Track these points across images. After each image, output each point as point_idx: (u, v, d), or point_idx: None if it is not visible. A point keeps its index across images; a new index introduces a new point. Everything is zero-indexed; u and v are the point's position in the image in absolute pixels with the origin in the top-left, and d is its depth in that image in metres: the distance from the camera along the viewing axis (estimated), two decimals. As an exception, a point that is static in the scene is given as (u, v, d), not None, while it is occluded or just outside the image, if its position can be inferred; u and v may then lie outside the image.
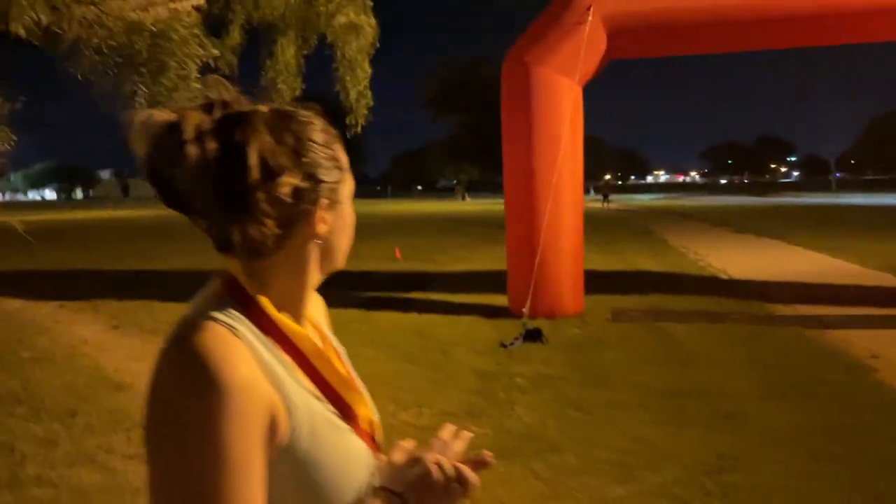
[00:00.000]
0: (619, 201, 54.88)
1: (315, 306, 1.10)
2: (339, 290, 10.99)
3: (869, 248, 14.84)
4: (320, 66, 5.19)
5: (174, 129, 0.85)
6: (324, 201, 0.93)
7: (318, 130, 0.94)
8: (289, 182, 0.88)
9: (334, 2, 4.40)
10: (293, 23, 4.67)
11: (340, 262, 1.01)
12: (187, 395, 0.80)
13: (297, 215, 0.91)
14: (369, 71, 4.97)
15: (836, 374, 5.73)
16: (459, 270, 13.11)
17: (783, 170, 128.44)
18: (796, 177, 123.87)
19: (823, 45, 9.32)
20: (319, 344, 0.98)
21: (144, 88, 2.84)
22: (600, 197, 46.02)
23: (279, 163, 0.87)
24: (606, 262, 12.88)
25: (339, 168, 0.97)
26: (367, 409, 1.02)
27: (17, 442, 4.44)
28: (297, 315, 0.97)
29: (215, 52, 3.12)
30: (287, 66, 4.72)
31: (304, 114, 0.95)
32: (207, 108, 0.89)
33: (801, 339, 6.93)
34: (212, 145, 0.85)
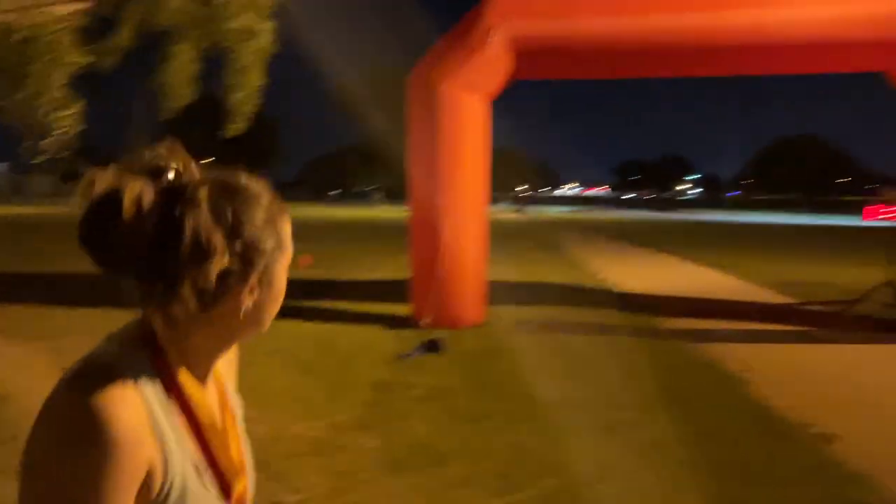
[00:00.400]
0: (530, 213, 56.15)
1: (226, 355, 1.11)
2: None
3: (755, 265, 15.83)
4: (217, 66, 5.14)
5: (113, 198, 0.84)
6: (255, 276, 0.95)
7: (262, 207, 0.95)
8: (219, 265, 0.88)
9: (231, 7, 4.37)
10: (189, 27, 4.61)
11: (265, 327, 1.03)
12: (71, 443, 0.80)
13: (222, 294, 0.92)
14: (262, 76, 4.95)
15: (712, 386, 6.10)
16: (367, 279, 13.12)
17: (683, 188, 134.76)
18: (695, 194, 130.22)
19: (714, 75, 9.89)
20: (216, 414, 1.01)
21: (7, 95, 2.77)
22: (517, 207, 50.45)
23: (213, 245, 0.87)
24: (511, 273, 13.18)
25: (279, 245, 0.99)
26: (244, 488, 1.04)
27: None
28: (204, 370, 0.99)
29: (87, 58, 3.06)
30: (181, 72, 4.65)
31: (252, 189, 0.96)
32: (154, 174, 0.88)
33: (683, 352, 7.34)
34: (149, 219, 0.85)
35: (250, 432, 3.94)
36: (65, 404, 0.82)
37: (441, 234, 7.95)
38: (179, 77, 4.73)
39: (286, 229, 1.01)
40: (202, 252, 0.86)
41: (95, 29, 3.39)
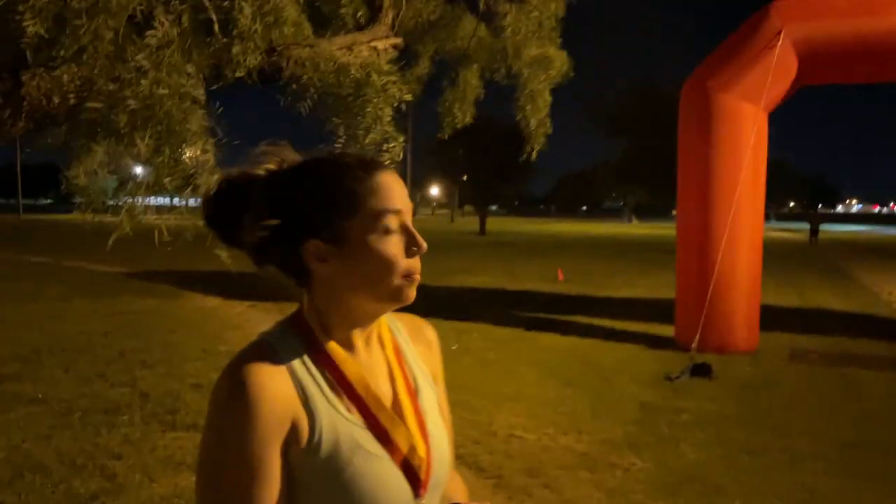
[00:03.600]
0: (801, 230, 51.01)
1: (417, 340, 1.18)
2: (500, 308, 11.26)
3: None
4: (493, 90, 5.40)
5: (232, 182, 1.06)
6: (313, 241, 1.01)
7: (328, 173, 1.03)
8: (271, 224, 1.00)
9: (521, 35, 4.58)
10: (479, 54, 4.91)
11: (387, 300, 1.03)
12: (219, 402, 0.95)
13: (288, 256, 1.03)
14: (549, 100, 5.09)
15: None
16: (623, 296, 12.87)
17: None
18: None
19: None
20: (373, 379, 1.05)
21: (344, 127, 3.17)
22: (811, 227, 34.50)
23: (269, 208, 1.01)
24: (783, 298, 12.08)
25: (351, 210, 1.01)
26: (409, 439, 1.04)
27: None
28: (346, 339, 1.05)
29: (408, 96, 3.40)
30: (465, 95, 4.97)
31: (335, 158, 1.05)
32: (269, 165, 1.06)
33: None
34: (254, 197, 1.03)
35: (519, 439, 4.10)
36: (223, 373, 0.97)
37: (712, 253, 7.54)
38: (462, 100, 5.06)
39: (370, 193, 1.01)
40: (260, 215, 1.01)
41: (397, 59, 3.78)
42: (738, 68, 7.52)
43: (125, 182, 3.20)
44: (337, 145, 3.31)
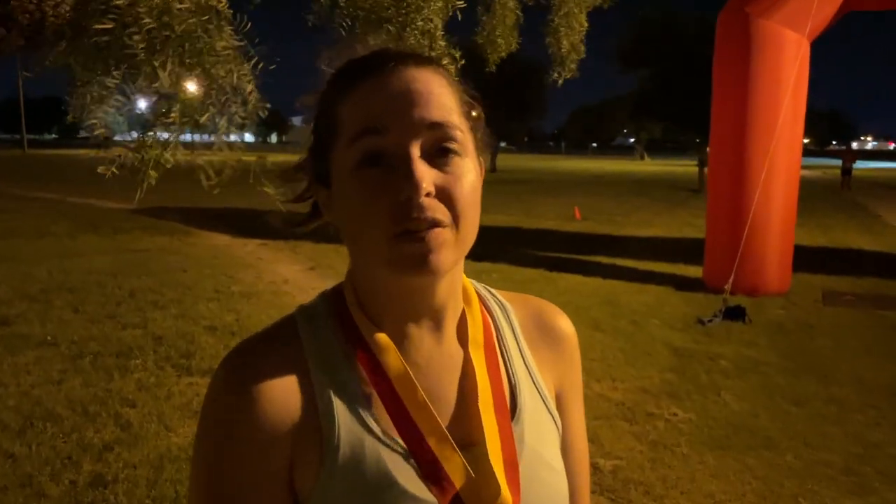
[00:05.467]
0: (819, 167, 50.06)
1: (541, 337, 0.82)
2: (519, 248, 10.96)
3: None
4: (529, 21, 4.97)
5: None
6: (315, 186, 0.76)
7: (331, 84, 0.73)
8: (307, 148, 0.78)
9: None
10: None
11: (379, 264, 0.68)
12: (207, 401, 0.71)
13: (305, 191, 0.79)
14: (586, 25, 4.66)
15: None
16: (644, 235, 12.53)
17: None
18: None
19: None
20: (421, 381, 0.72)
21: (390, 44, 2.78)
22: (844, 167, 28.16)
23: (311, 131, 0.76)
24: (811, 238, 11.72)
25: (327, 129, 0.71)
26: (482, 483, 0.69)
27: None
28: (401, 324, 0.73)
29: (461, 2, 2.97)
30: (505, 21, 4.54)
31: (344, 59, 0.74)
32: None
33: None
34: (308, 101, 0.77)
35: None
36: (222, 361, 0.72)
37: (748, 192, 7.16)
38: (502, 27, 4.64)
39: (348, 106, 0.69)
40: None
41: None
42: (783, -9, 6.98)
43: (151, 119, 2.81)
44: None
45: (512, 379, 0.77)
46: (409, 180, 0.64)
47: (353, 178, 0.67)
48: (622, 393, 4.56)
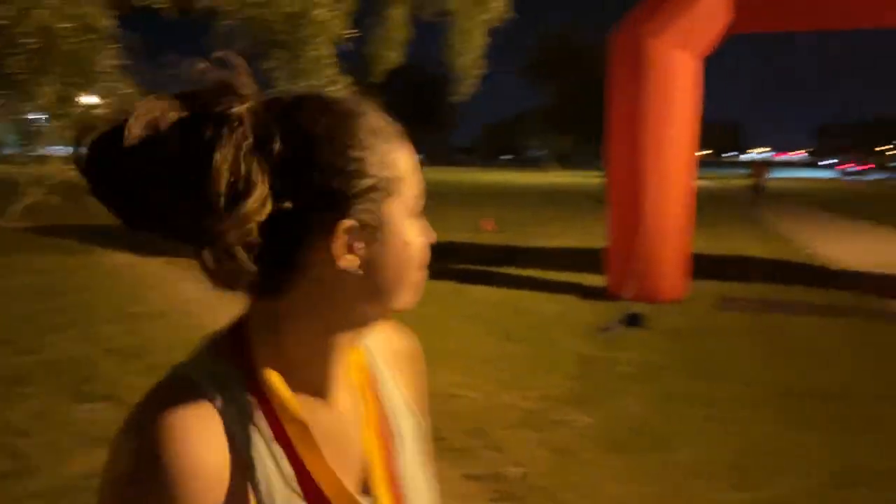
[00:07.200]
0: (716, 177, 52.77)
1: (395, 356, 0.87)
2: (430, 261, 10.95)
3: None
4: (423, 32, 5.08)
5: (121, 126, 0.63)
6: (347, 223, 0.68)
7: (343, 124, 0.69)
8: (267, 201, 0.64)
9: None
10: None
11: (402, 301, 0.75)
12: (121, 475, 0.65)
13: (296, 245, 0.67)
14: (484, 40, 4.82)
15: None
16: (552, 246, 12.90)
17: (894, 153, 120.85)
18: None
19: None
20: (342, 436, 0.74)
21: (282, 71, 2.81)
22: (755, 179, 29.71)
23: (254, 176, 0.63)
24: (708, 246, 12.36)
25: (380, 177, 0.70)
26: None
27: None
28: (317, 377, 0.74)
29: (351, 32, 3.03)
30: (393, 35, 4.64)
31: (339, 106, 0.70)
32: (197, 96, 0.66)
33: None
34: (170, 148, 0.63)
35: (460, 398, 3.90)
36: (133, 433, 0.65)
37: (643, 202, 7.52)
38: (390, 41, 4.73)
39: (401, 162, 0.72)
40: (237, 191, 0.62)
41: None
42: (669, 14, 7.40)
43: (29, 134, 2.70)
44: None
45: (392, 411, 0.82)
46: (429, 232, 0.77)
47: (415, 224, 0.74)
48: (530, 401, 4.70)
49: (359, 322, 0.74)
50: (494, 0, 4.37)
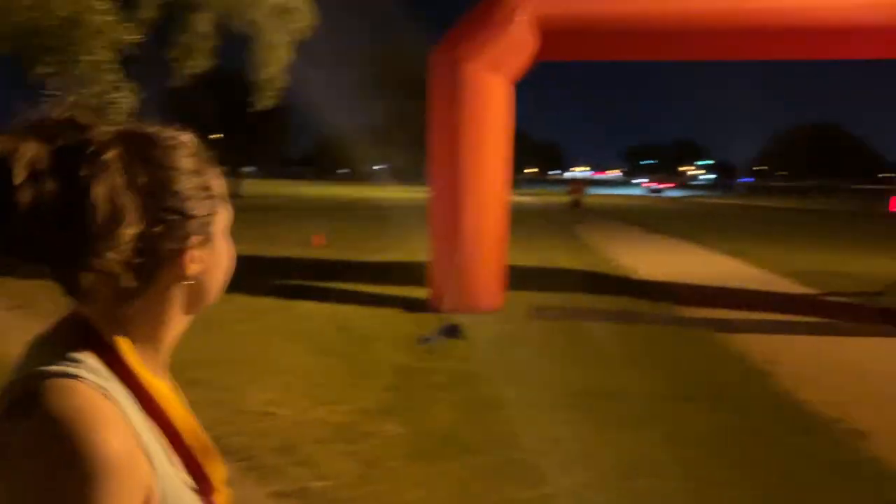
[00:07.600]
0: (539, 192, 55.87)
1: None
2: (254, 277, 10.77)
3: (772, 253, 15.67)
4: (232, 41, 5.04)
5: (2, 166, 0.70)
6: (194, 239, 0.82)
7: (185, 156, 0.82)
8: (138, 227, 0.75)
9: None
10: (215, 1, 4.50)
11: (213, 299, 0.91)
12: (49, 476, 0.67)
13: (159, 260, 0.79)
14: (288, 55, 4.84)
15: (737, 378, 6.01)
16: (382, 260, 13.04)
17: (695, 173, 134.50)
18: (708, 180, 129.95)
19: (740, 59, 9.71)
20: (181, 405, 0.86)
21: (57, 77, 2.66)
22: (572, 196, 35.36)
23: (127, 206, 0.74)
24: (524, 258, 13.07)
25: (212, 198, 0.85)
26: (223, 477, 0.89)
27: None
28: (162, 358, 0.88)
29: (134, 38, 2.93)
30: (198, 41, 4.55)
31: (170, 137, 0.82)
32: (52, 131, 0.74)
33: (705, 343, 7.24)
34: (49, 186, 0.71)
35: (272, 416, 3.90)
36: (33, 430, 0.68)
37: (462, 217, 7.84)
38: (194, 49, 4.63)
39: (218, 182, 0.88)
40: (118, 217, 0.73)
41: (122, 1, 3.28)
42: (481, 40, 7.82)
43: None
44: (47, 100, 2.76)
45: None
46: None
47: (227, 234, 0.90)
48: (342, 415, 4.73)
49: (181, 320, 0.88)
50: (299, 13, 4.39)
